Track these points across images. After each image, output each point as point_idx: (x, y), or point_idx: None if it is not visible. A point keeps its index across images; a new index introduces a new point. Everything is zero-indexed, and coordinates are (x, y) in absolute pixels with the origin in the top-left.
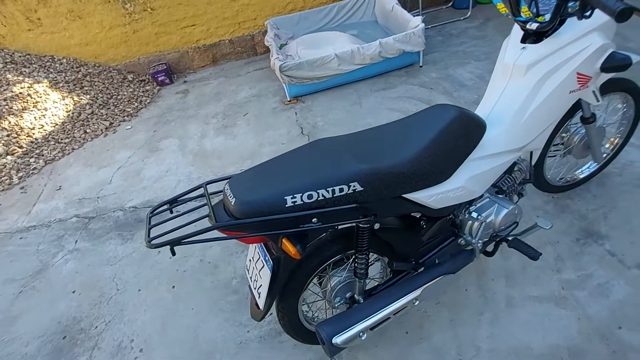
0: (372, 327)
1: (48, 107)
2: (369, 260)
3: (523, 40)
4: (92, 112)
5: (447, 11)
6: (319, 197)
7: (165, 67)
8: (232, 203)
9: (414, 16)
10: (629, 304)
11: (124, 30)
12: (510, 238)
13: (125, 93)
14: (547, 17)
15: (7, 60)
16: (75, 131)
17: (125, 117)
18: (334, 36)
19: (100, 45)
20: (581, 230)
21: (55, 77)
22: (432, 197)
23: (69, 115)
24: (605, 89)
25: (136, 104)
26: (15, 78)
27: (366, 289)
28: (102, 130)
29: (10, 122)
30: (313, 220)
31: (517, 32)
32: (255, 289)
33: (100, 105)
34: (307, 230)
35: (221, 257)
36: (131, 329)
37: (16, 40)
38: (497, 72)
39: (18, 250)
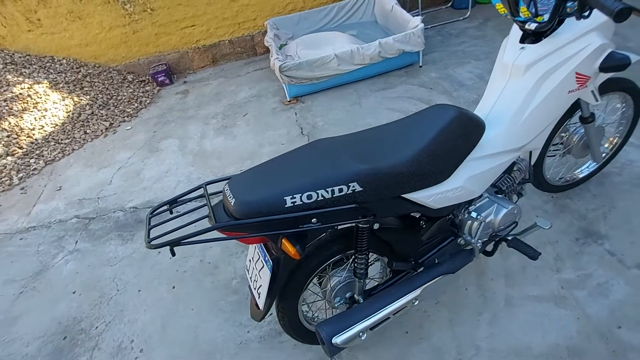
0: (371, 327)
1: (48, 108)
2: (369, 260)
3: (522, 40)
4: (92, 113)
5: (447, 11)
6: (318, 197)
7: (165, 67)
8: (232, 203)
9: (413, 16)
10: (628, 304)
11: (123, 31)
12: (509, 238)
13: (125, 94)
14: (546, 17)
15: (7, 61)
16: (75, 132)
17: (125, 118)
18: (334, 36)
19: (100, 46)
20: (581, 229)
21: (55, 77)
22: (432, 197)
23: (69, 115)
24: (604, 88)
25: (136, 105)
26: (15, 79)
27: (366, 289)
28: (102, 130)
29: (10, 123)
30: (312, 220)
31: (516, 32)
32: (255, 289)
33: (100, 105)
34: (306, 230)
35: (221, 257)
36: (131, 329)
37: (16, 41)
38: (496, 72)
39: (18, 251)
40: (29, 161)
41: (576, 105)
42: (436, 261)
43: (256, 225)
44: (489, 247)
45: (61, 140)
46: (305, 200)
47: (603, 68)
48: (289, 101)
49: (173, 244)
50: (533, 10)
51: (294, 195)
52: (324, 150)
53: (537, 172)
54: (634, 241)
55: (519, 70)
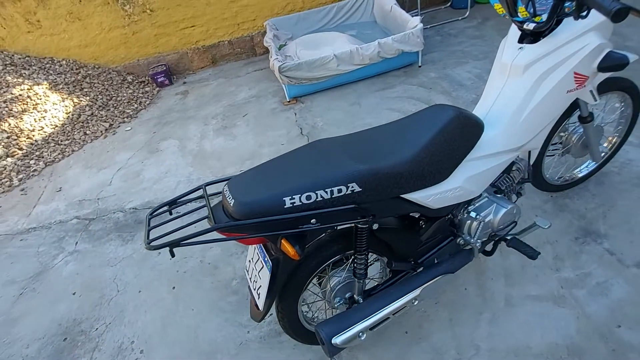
0: (371, 327)
1: (48, 109)
2: (369, 261)
3: (520, 40)
4: (92, 114)
5: (446, 11)
6: (317, 198)
7: (164, 68)
8: (231, 204)
9: (412, 16)
10: (628, 303)
11: (123, 32)
12: (509, 237)
13: (124, 94)
14: (544, 17)
15: (7, 62)
16: (75, 133)
17: (125, 119)
18: (333, 37)
19: (100, 47)
20: (580, 229)
21: (55, 78)
22: (431, 197)
23: (68, 117)
24: (603, 88)
25: (136, 106)
26: (15, 80)
27: (366, 289)
28: (101, 131)
29: (10, 124)
30: (312, 221)
31: (514, 32)
32: (254, 289)
33: (99, 106)
34: (305, 231)
35: (221, 258)
36: (132, 330)
37: (16, 42)
38: (494, 72)
39: (18, 252)
40: (29, 162)
41: (575, 105)
42: (435, 261)
43: (255, 226)
44: (489, 247)
45: (61, 141)
46: (305, 201)
47: (601, 68)
48: (289, 101)
49: (172, 245)
50: (531, 10)
51: (293, 196)
52: (323, 150)
53: (536, 171)
54: (634, 240)
55: (518, 70)
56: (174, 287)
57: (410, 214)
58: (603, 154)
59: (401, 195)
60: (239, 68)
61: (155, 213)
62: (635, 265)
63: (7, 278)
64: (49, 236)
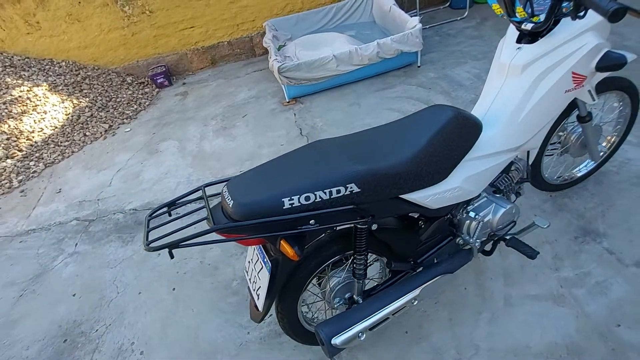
0: (371, 328)
1: (47, 111)
2: (368, 261)
3: (518, 41)
4: (92, 115)
5: (445, 11)
6: (316, 198)
7: (164, 69)
8: (230, 205)
9: (411, 16)
10: (627, 302)
11: (122, 33)
12: (508, 237)
13: (124, 95)
14: (542, 17)
15: (6, 64)
16: (75, 134)
17: (125, 120)
18: (332, 37)
19: (99, 48)
20: (579, 228)
21: (55, 80)
22: (429, 197)
23: (68, 118)
24: (602, 87)
25: (135, 107)
26: (15, 82)
27: (365, 289)
28: (101, 132)
29: (9, 126)
30: (311, 221)
31: (512, 32)
32: (254, 290)
33: (99, 108)
34: (304, 231)
35: (221, 258)
36: (132, 331)
37: (15, 44)
38: (493, 73)
39: (18, 254)
40: (28, 164)
41: (573, 105)
42: (435, 261)
43: (254, 227)
44: (488, 247)
45: (61, 142)
46: (303, 202)
47: (599, 67)
48: (288, 102)
49: (171, 246)
50: (529, 10)
51: (292, 197)
52: (322, 151)
53: (535, 171)
54: (633, 239)
55: (516, 70)
56: (174, 288)
57: (410, 214)
58: (602, 153)
59: (400, 196)
60: (238, 69)
61: (154, 214)
62: (634, 264)
63: (6, 280)
64: (48, 238)
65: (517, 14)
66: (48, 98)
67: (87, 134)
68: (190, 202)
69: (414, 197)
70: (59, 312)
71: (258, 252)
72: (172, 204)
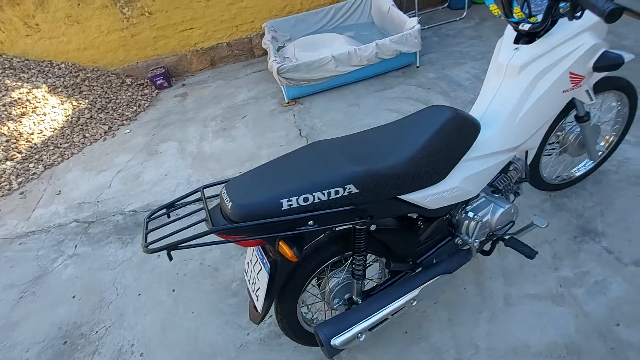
0: (370, 328)
1: (47, 112)
2: (367, 261)
3: (516, 41)
4: (91, 117)
5: (443, 12)
6: (314, 199)
7: (163, 70)
8: (229, 207)
9: (410, 17)
10: (626, 301)
11: (122, 35)
12: (506, 237)
13: (123, 97)
14: (539, 17)
15: (6, 66)
16: (74, 136)
17: (124, 121)
18: (331, 38)
19: (99, 50)
20: (578, 228)
21: (54, 82)
22: (428, 197)
23: (67, 120)
24: (599, 87)
25: (135, 108)
26: (14, 84)
27: (365, 289)
28: (101, 134)
29: (9, 128)
30: (309, 222)
31: (510, 33)
32: (253, 291)
33: (99, 109)
34: (303, 232)
35: (221, 260)
36: (131, 333)
37: (14, 46)
38: (491, 73)
39: (18, 256)
40: (28, 166)
41: (571, 105)
42: (434, 261)
43: (253, 228)
44: (487, 247)
45: (60, 144)
46: (302, 203)
47: (597, 67)
48: (288, 103)
49: (170, 248)
50: (526, 11)
51: (290, 198)
52: (321, 152)
53: (534, 171)
54: (631, 238)
55: (514, 70)
56: (173, 290)
57: (409, 215)
58: (600, 153)
59: (398, 196)
60: (237, 70)
61: (153, 216)
62: (633, 263)
63: (6, 282)
64: (48, 240)
65: (514, 15)
66: (47, 100)
67: (87, 135)
68: (189, 203)
69: (413, 197)
70: (58, 314)
71: (257, 253)
72: (170, 206)
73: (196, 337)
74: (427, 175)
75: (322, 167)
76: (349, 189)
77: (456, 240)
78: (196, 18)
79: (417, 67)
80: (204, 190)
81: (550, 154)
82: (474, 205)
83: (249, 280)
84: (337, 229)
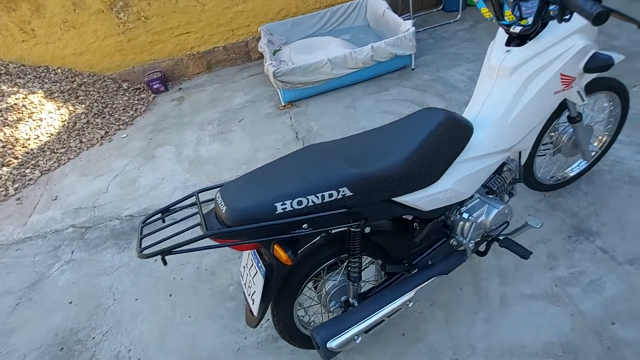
0: (366, 330)
1: (43, 118)
2: (363, 264)
3: (508, 43)
4: (88, 122)
5: (438, 14)
6: (308, 203)
7: (160, 74)
8: (223, 211)
9: (404, 20)
10: (621, 300)
11: (118, 40)
12: (501, 238)
13: (120, 102)
14: (530, 20)
15: (2, 72)
16: (71, 141)
17: (121, 126)
18: (327, 41)
19: (95, 55)
20: (573, 227)
21: (50, 87)
22: (422, 199)
23: (64, 125)
24: (591, 88)
25: (131, 112)
26: (10, 89)
27: (361, 291)
28: (97, 139)
29: (5, 134)
30: (303, 226)
31: (501, 35)
32: (249, 295)
33: (95, 114)
34: (298, 235)
35: (218, 263)
36: (128, 338)
37: (10, 52)
38: (483, 75)
39: (14, 262)
40: (24, 171)
41: (564, 105)
42: (430, 262)
43: (247, 232)
44: (482, 247)
45: (57, 149)
46: (296, 206)
47: (587, 69)
48: (284, 106)
49: (164, 253)
50: (517, 13)
51: (284, 202)
52: (315, 155)
53: (528, 171)
54: (625, 237)
55: (506, 72)
56: (170, 295)
57: (403, 217)
58: (593, 153)
59: (392, 199)
60: (234, 73)
61: (148, 221)
62: (627, 262)
63: (3, 288)
64: (44, 245)
65: (505, 17)
66: (44, 105)
67: (83, 140)
68: (183, 208)
69: (407, 199)
70: (55, 320)
71: (252, 257)
72: (165, 211)
73: (194, 341)
74: (421, 177)
75: (316, 170)
76: (343, 191)
77: (451, 241)
78: (192, 22)
79: (413, 69)
80: (199, 194)
81: (544, 155)
82: (469, 206)
83: (244, 284)
84: (332, 231)
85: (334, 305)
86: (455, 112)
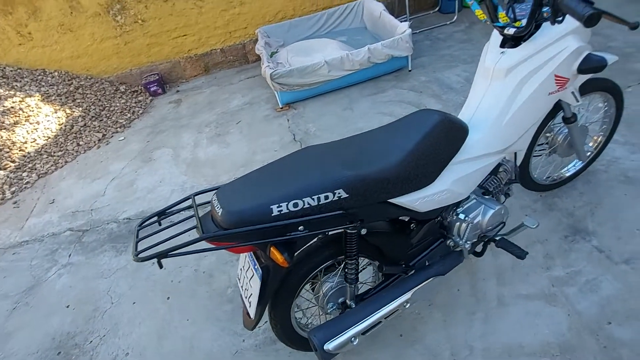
0: (364, 332)
1: (40, 121)
2: (360, 265)
3: (502, 45)
4: (85, 125)
5: (434, 16)
6: (304, 205)
7: (157, 77)
8: (219, 213)
9: (401, 22)
10: (617, 299)
11: (115, 42)
12: (497, 238)
13: (117, 104)
14: (524, 22)
15: None
16: (68, 144)
17: (118, 129)
18: (324, 43)
19: (92, 58)
20: (569, 227)
21: (47, 90)
22: (418, 201)
23: (61, 128)
24: (586, 88)
25: (129, 115)
26: (7, 92)
27: (359, 293)
28: (95, 142)
29: (2, 137)
30: (300, 228)
31: (496, 37)
32: (246, 298)
33: (92, 117)
34: (294, 238)
35: (216, 266)
36: (126, 342)
37: (7, 55)
38: (478, 76)
39: (11, 266)
40: (21, 175)
41: (559, 106)
42: (427, 263)
43: (243, 235)
44: (478, 248)
45: (54, 152)
46: (292, 209)
47: (581, 70)
48: (282, 108)
49: (160, 256)
50: (511, 15)
51: (280, 204)
52: (310, 157)
53: (524, 172)
54: (621, 237)
55: (500, 73)
56: (168, 298)
57: (400, 218)
58: (589, 153)
59: (388, 200)
60: (231, 76)
61: (144, 224)
62: (623, 261)
63: (0, 292)
64: (41, 249)
65: (500, 19)
66: (41, 108)
67: (81, 143)
68: (180, 211)
69: (403, 201)
70: (52, 324)
71: (249, 259)
72: (161, 214)
73: (192, 345)
74: (417, 178)
75: (312, 172)
76: (339, 193)
77: (448, 242)
78: (189, 25)
79: (409, 70)
80: (195, 197)
81: (540, 155)
82: (465, 207)
83: (241, 287)
84: (329, 233)
85: (332, 307)
86: (451, 113)
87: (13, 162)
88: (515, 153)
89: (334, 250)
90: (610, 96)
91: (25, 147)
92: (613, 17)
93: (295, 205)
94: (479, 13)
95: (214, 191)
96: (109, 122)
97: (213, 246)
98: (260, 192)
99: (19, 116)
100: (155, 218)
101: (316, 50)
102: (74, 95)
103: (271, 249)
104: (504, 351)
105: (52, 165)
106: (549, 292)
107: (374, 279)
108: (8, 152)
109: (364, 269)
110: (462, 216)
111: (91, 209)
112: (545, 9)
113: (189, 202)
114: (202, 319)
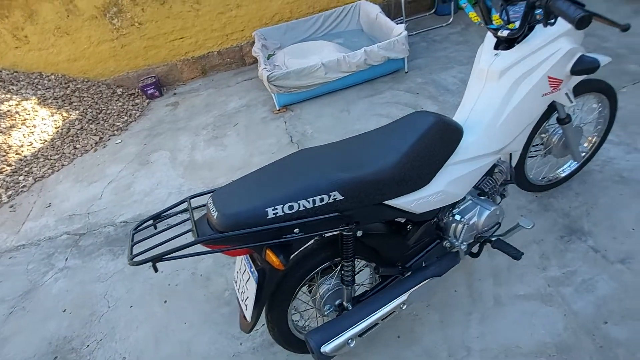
0: (361, 334)
1: (37, 124)
2: (357, 267)
3: (496, 47)
4: (82, 128)
5: (430, 18)
6: (299, 207)
7: (154, 80)
8: (215, 217)
9: (397, 24)
10: (613, 299)
11: (112, 45)
12: (493, 239)
13: (114, 107)
14: (517, 24)
15: None
16: (65, 147)
17: (115, 132)
18: (321, 45)
19: (89, 61)
20: (565, 227)
21: (44, 93)
22: (413, 202)
23: (58, 131)
24: (580, 89)
25: (126, 118)
26: (3, 96)
27: (356, 295)
28: (92, 145)
29: None
30: (295, 230)
31: (490, 39)
32: (242, 300)
33: (89, 120)
34: (290, 240)
35: (213, 269)
36: (123, 346)
37: (3, 59)
38: (472, 78)
39: (7, 270)
40: (17, 178)
41: (553, 107)
42: (423, 265)
43: (239, 238)
44: (475, 249)
45: (50, 156)
46: (287, 211)
47: (574, 71)
48: (279, 110)
49: (155, 260)
50: (505, 18)
51: (276, 207)
52: (306, 160)
53: (520, 172)
54: (616, 236)
55: (494, 75)
56: (165, 301)
57: (396, 219)
58: (584, 153)
59: (384, 202)
60: (228, 78)
61: (139, 228)
62: (619, 261)
63: None
64: (38, 253)
65: (493, 22)
66: (37, 112)
67: (78, 146)
68: (175, 214)
69: (398, 202)
70: (49, 328)
71: (245, 262)
72: (157, 217)
73: (189, 348)
74: (412, 180)
75: (307, 174)
76: (334, 195)
77: (444, 243)
78: (186, 27)
79: (406, 72)
80: (191, 200)
81: (536, 156)
82: (461, 208)
83: (238, 290)
84: (325, 235)
85: (328, 309)
86: (446, 114)
87: (9, 165)
88: (511, 154)
89: (331, 253)
90: (604, 97)
91: (22, 151)
92: (604, 19)
93: (291, 207)
94: (473, 15)
95: (210, 194)
96: (105, 125)
97: (208, 249)
98: (256, 194)
99: (15, 120)
100: (151, 221)
101: (313, 52)
102: (70, 99)
103: (267, 251)
104: (501, 351)
105: (48, 169)
106: (545, 292)
107: (370, 281)
108: (4, 155)
109: (360, 270)
110: (458, 217)
111: (88, 213)
112: (537, 11)
113: (184, 206)
114: (199, 322)
